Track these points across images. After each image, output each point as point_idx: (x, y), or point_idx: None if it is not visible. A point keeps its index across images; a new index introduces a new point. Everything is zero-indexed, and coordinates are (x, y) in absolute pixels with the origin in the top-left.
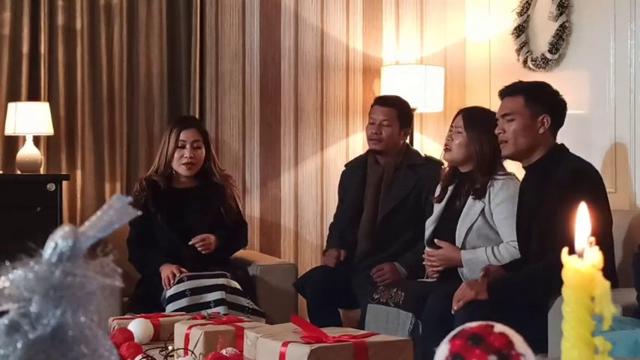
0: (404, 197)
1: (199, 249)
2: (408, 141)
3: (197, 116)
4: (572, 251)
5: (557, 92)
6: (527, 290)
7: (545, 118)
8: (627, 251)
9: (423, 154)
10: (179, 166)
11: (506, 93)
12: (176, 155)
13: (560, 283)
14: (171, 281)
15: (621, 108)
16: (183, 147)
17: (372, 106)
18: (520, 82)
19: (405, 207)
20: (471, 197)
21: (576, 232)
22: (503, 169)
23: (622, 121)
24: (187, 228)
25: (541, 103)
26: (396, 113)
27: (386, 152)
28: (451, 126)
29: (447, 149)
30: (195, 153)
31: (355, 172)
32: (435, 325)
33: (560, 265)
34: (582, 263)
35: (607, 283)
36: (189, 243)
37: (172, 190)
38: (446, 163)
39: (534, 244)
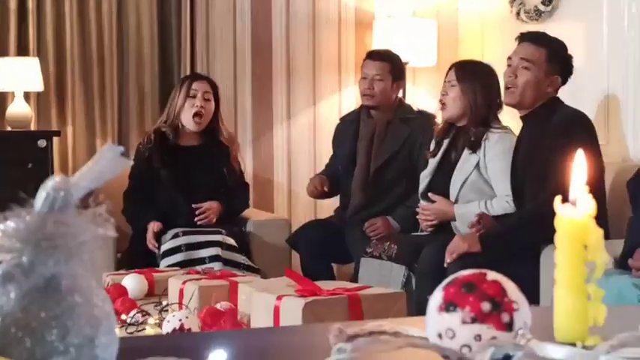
0: (396, 150)
1: (198, 220)
2: (400, 95)
3: (188, 72)
4: (565, 199)
5: (571, 56)
6: (519, 235)
7: (556, 80)
8: (619, 204)
9: (415, 108)
10: (188, 118)
11: (529, 38)
12: (187, 105)
13: (553, 224)
14: (155, 244)
15: (614, 60)
16: (194, 96)
17: (363, 61)
18: (544, 34)
19: (398, 160)
20: (466, 150)
21: (572, 181)
22: (499, 122)
23: (615, 73)
24: (190, 185)
25: (559, 63)
26: (388, 67)
27: (379, 107)
28: (445, 81)
29: (442, 107)
30: (206, 104)
31: (349, 125)
32: (429, 277)
33: (552, 206)
34: (576, 211)
35: (600, 231)
36: (194, 206)
37: (178, 146)
38: (440, 119)
39: (528, 192)
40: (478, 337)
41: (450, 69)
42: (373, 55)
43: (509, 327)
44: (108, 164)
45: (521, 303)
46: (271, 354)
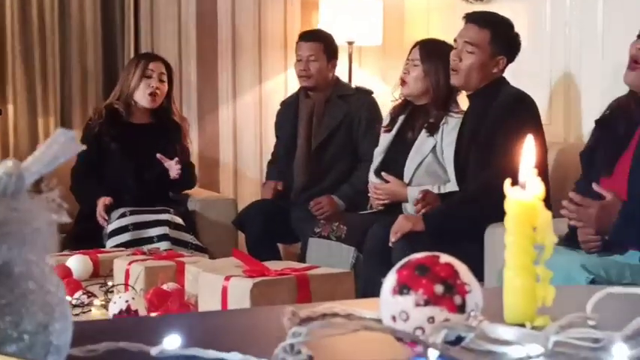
0: (335, 127)
1: (160, 158)
2: (347, 74)
3: (132, 50)
4: (508, 179)
5: (518, 34)
6: (462, 214)
7: (502, 60)
8: (561, 183)
9: (353, 86)
10: (143, 97)
11: (473, 19)
12: (142, 85)
13: (495, 202)
14: (105, 217)
15: (557, 41)
16: (150, 77)
17: (297, 43)
18: (490, 14)
19: (337, 137)
20: (424, 132)
21: (521, 163)
22: (458, 105)
23: (557, 54)
24: (140, 163)
25: (503, 44)
26: (321, 47)
27: (317, 87)
28: (407, 59)
29: (403, 83)
30: (161, 85)
31: (288, 108)
32: (375, 256)
33: (495, 184)
34: (525, 194)
35: (549, 214)
36: (159, 157)
37: (129, 124)
38: (396, 95)
39: (471, 170)
40: (431, 320)
41: (413, 47)
42: (305, 37)
43: (461, 309)
44: (60, 148)
45: (473, 285)
46: (225, 337)
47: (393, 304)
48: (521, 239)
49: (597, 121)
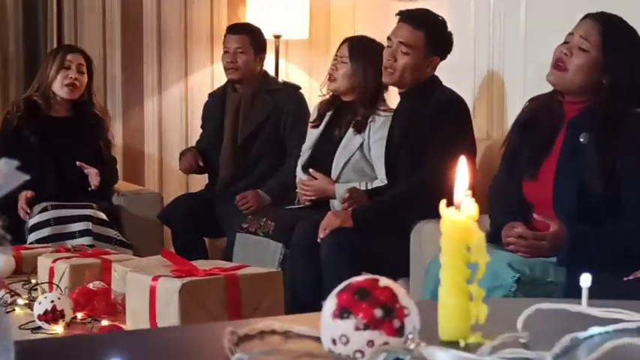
0: (262, 121)
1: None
2: (274, 67)
3: (55, 41)
4: (438, 181)
5: (451, 34)
6: (391, 212)
7: (436, 60)
8: (484, 180)
9: (280, 80)
10: (61, 88)
11: (407, 19)
12: (59, 76)
13: (425, 203)
14: (27, 210)
15: (480, 39)
16: (69, 68)
17: (224, 36)
18: (425, 13)
19: (264, 131)
20: (351, 130)
21: (455, 185)
22: (385, 103)
23: (481, 52)
24: (61, 157)
25: (438, 45)
26: (249, 40)
27: (244, 80)
28: (336, 55)
29: (330, 79)
30: (80, 77)
31: (216, 101)
32: (303, 252)
33: (425, 187)
34: (459, 214)
35: (482, 234)
36: (79, 164)
37: (49, 117)
38: (324, 91)
39: (401, 170)
40: (371, 343)
41: (342, 44)
42: (233, 29)
43: (400, 332)
44: (4, 178)
45: (411, 308)
46: (163, 357)
47: (333, 327)
48: (455, 259)
49: (518, 123)
